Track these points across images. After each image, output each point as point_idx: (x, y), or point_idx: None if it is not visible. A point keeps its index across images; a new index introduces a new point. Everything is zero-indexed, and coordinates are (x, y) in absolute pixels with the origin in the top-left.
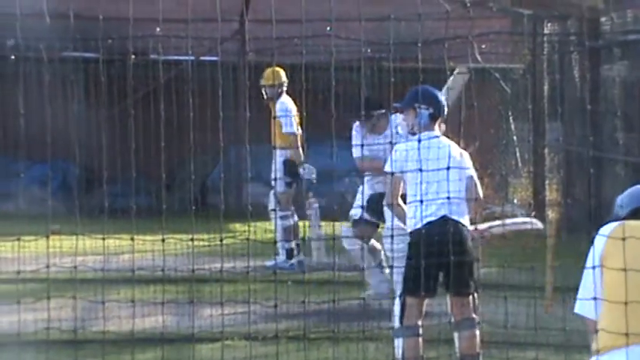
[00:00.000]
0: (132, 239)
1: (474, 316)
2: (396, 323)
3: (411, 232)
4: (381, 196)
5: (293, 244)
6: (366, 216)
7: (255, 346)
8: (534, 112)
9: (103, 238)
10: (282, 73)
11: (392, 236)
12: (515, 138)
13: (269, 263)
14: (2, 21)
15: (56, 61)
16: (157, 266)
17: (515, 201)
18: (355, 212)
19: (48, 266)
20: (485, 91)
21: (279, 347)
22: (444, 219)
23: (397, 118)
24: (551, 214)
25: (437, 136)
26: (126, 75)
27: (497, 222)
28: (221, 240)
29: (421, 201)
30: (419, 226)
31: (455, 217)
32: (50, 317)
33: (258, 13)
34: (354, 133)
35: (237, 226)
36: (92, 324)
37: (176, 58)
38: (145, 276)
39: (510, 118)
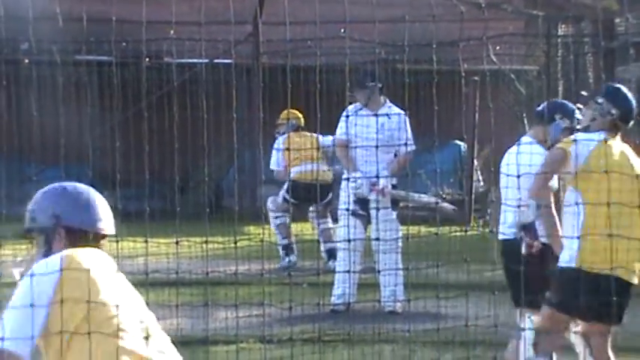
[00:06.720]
0: (146, 242)
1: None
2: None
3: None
4: None
5: (290, 240)
6: None
7: (270, 348)
8: None
9: (117, 241)
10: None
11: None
12: None
13: (283, 264)
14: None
15: (69, 64)
16: (171, 269)
17: None
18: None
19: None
20: (500, 92)
21: (294, 350)
22: None
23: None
24: None
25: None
26: (139, 78)
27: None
28: (235, 242)
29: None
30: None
31: None
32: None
33: (271, 16)
34: None
35: (252, 228)
36: None
37: (190, 60)
38: (159, 279)
39: (525, 119)
